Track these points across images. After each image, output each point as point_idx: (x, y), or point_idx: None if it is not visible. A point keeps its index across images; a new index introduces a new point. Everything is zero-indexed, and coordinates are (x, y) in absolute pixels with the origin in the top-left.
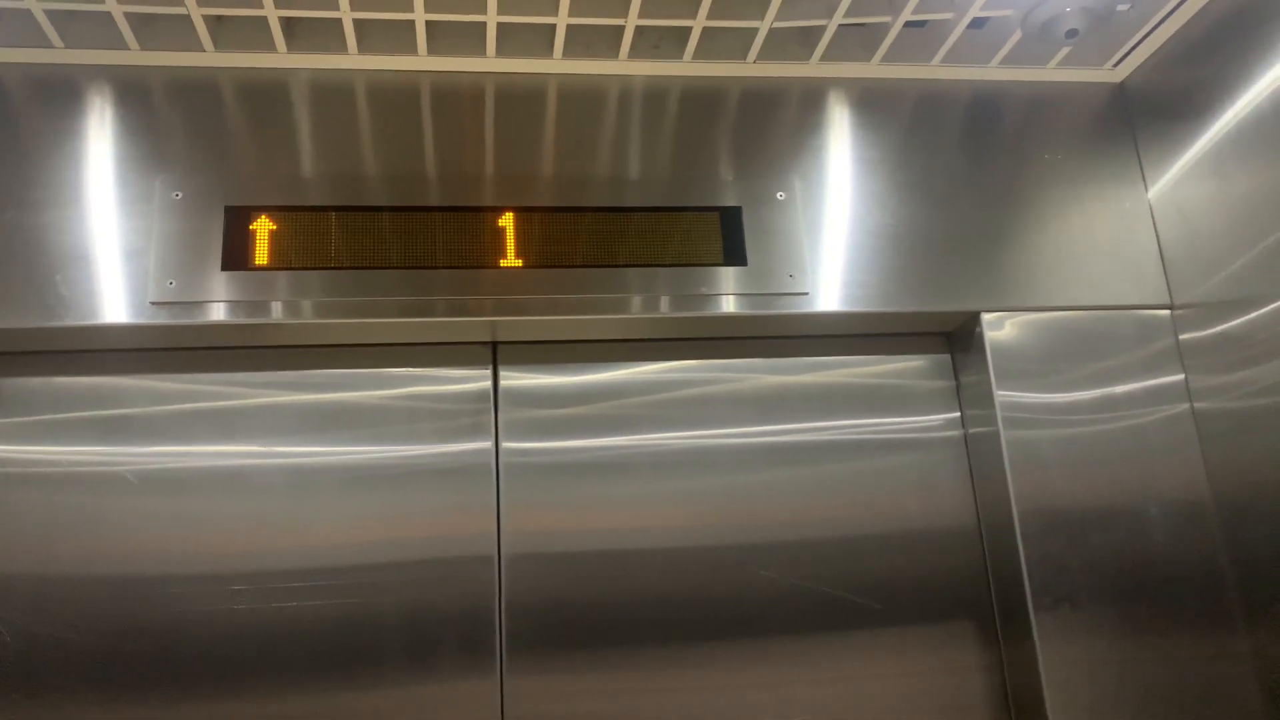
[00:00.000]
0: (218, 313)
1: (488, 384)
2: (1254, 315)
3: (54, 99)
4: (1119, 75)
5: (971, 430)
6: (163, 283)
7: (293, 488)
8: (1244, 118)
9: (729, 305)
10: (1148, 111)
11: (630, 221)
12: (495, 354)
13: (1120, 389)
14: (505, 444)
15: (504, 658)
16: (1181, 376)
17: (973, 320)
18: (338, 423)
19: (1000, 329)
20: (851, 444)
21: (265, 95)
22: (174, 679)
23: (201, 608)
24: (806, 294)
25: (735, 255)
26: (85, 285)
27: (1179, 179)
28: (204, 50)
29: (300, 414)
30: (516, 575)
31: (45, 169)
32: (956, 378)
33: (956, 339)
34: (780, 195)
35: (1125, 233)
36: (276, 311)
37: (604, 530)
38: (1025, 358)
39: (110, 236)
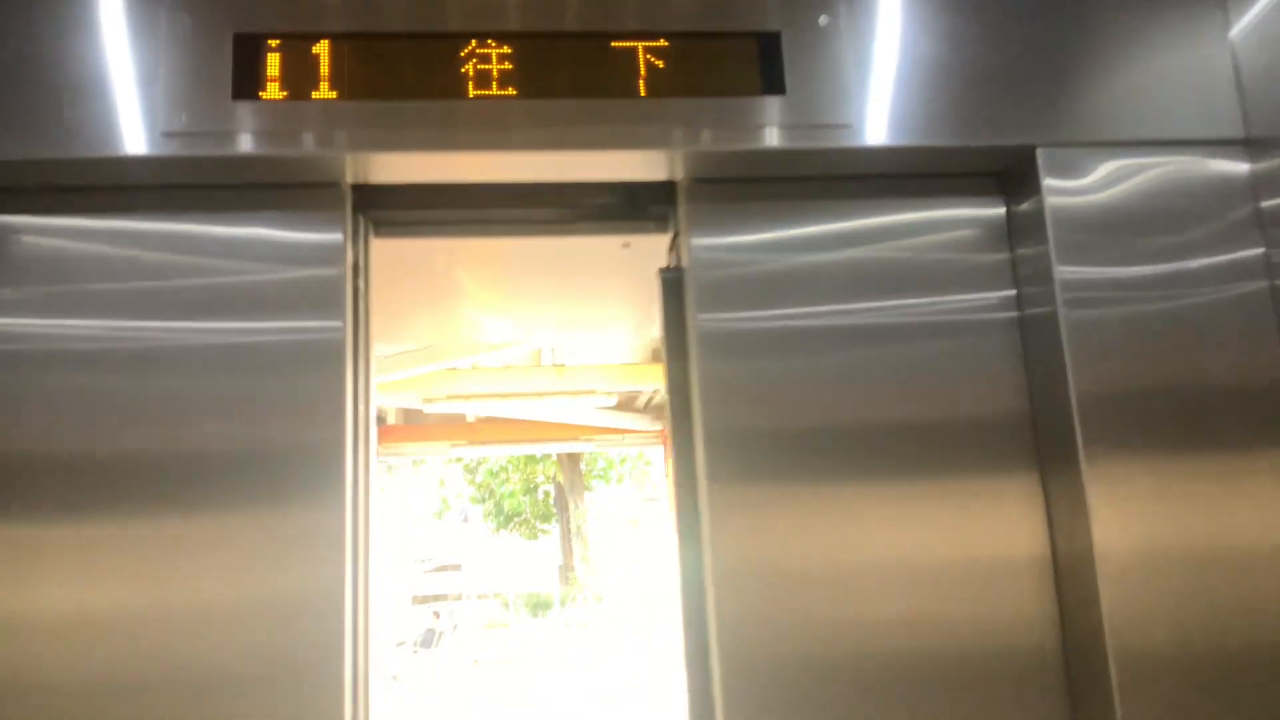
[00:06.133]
0: (230, 143)
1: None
2: None
3: None
4: None
5: (1028, 311)
6: (173, 113)
7: None
8: None
9: (767, 139)
10: None
11: (660, 49)
12: None
13: (1194, 264)
14: None
15: None
16: (1261, 250)
17: (1028, 159)
18: None
19: (1059, 176)
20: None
21: None
22: None
23: None
24: (849, 126)
25: (773, 84)
26: (95, 117)
27: (1265, 7)
28: None
29: None
30: None
31: None
32: (1012, 249)
33: (1010, 183)
34: (823, 20)
35: (1199, 63)
36: (292, 142)
37: None
38: (1086, 216)
39: (119, 66)
